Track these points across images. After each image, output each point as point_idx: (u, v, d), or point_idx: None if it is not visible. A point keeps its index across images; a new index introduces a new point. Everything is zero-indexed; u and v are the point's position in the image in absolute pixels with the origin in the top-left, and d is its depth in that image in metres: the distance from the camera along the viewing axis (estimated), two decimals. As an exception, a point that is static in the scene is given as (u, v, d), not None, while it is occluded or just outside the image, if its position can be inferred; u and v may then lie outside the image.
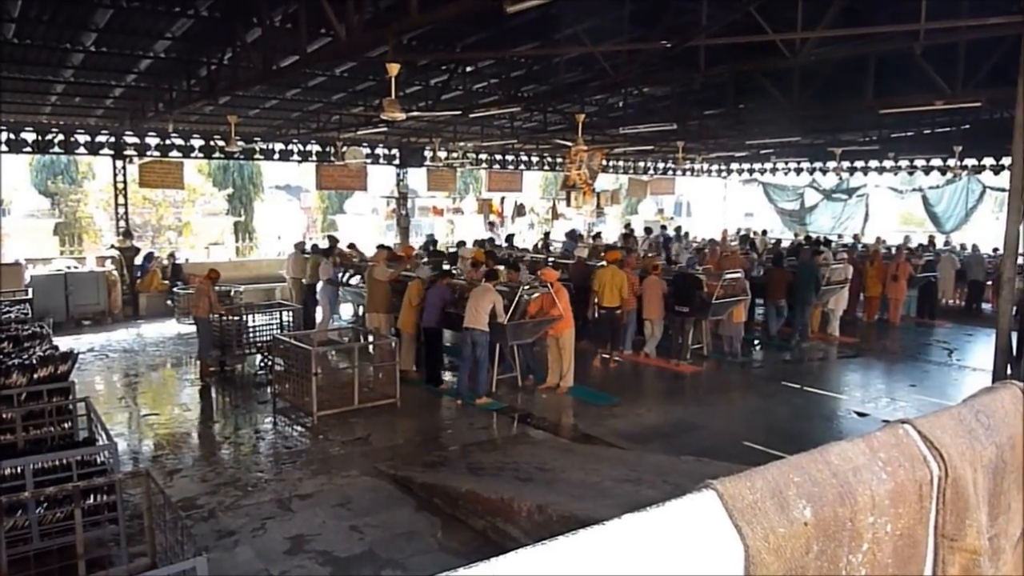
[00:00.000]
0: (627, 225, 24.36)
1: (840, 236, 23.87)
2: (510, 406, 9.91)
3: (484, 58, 10.94)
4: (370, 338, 10.83)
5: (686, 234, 22.18)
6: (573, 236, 19.88)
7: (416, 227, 27.27)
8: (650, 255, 15.83)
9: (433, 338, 10.64)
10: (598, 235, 20.25)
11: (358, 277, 13.66)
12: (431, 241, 18.22)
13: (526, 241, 24.82)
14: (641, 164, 26.93)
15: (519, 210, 24.71)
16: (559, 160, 23.57)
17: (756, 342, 13.98)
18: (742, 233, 23.25)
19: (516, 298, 10.08)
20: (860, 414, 9.66)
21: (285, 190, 36.30)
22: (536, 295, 10.61)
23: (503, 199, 24.26)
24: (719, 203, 30.62)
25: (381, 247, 13.08)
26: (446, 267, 12.39)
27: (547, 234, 21.12)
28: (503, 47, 9.78)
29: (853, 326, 15.21)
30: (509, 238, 18.49)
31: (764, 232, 23.23)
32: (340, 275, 13.77)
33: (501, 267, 12.47)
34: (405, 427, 9.11)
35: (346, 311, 15.50)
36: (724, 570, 1.26)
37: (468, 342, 9.87)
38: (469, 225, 24.30)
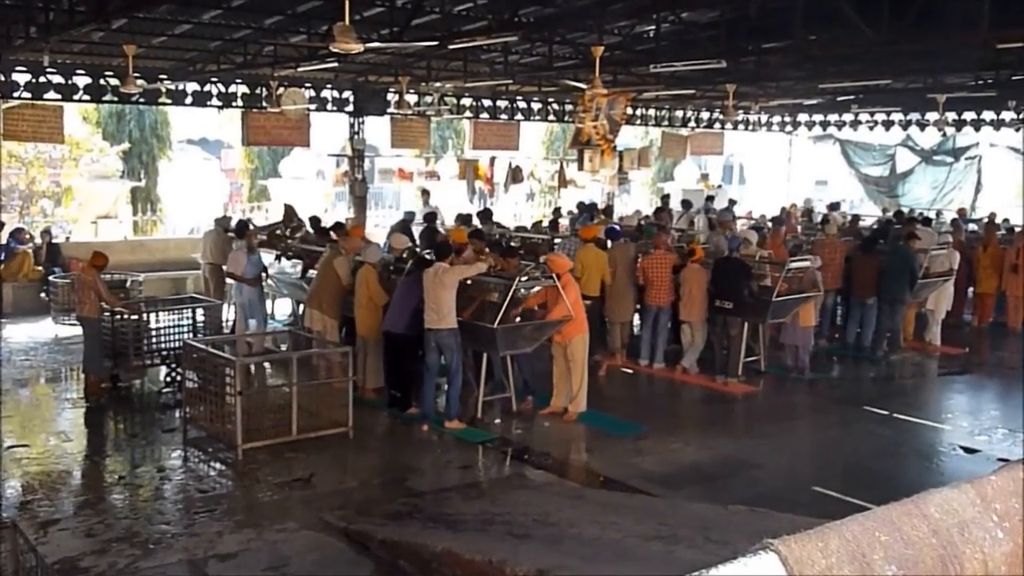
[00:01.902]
0: (664, 197, 24.05)
1: (941, 212, 23.81)
2: (502, 437, 9.95)
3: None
4: (314, 345, 10.77)
5: (729, 206, 21.68)
6: (590, 210, 19.51)
7: (376, 196, 26.98)
8: (695, 235, 15.60)
9: (398, 348, 10.61)
10: (606, 210, 19.81)
11: (297, 264, 13.54)
12: (408, 220, 17.82)
13: (519, 216, 24.48)
14: (679, 114, 26.87)
15: (514, 175, 24.42)
16: (569, 108, 23.37)
17: (830, 353, 13.98)
18: (809, 207, 23.12)
19: (510, 294, 10.04)
20: (968, 450, 9.70)
21: (200, 146, 36.05)
22: (537, 289, 10.55)
23: (493, 160, 24.14)
24: (782, 167, 30.61)
25: (337, 229, 12.72)
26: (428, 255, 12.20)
27: (557, 209, 20.74)
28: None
29: (959, 332, 15.23)
30: (484, 214, 17.97)
31: (835, 206, 22.98)
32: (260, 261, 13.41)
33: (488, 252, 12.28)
34: (360, 465, 9.14)
35: (282, 309, 15.48)
36: (787, 658, 1.27)
37: (433, 347, 10.01)
38: (448, 194, 24.11)
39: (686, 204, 21.43)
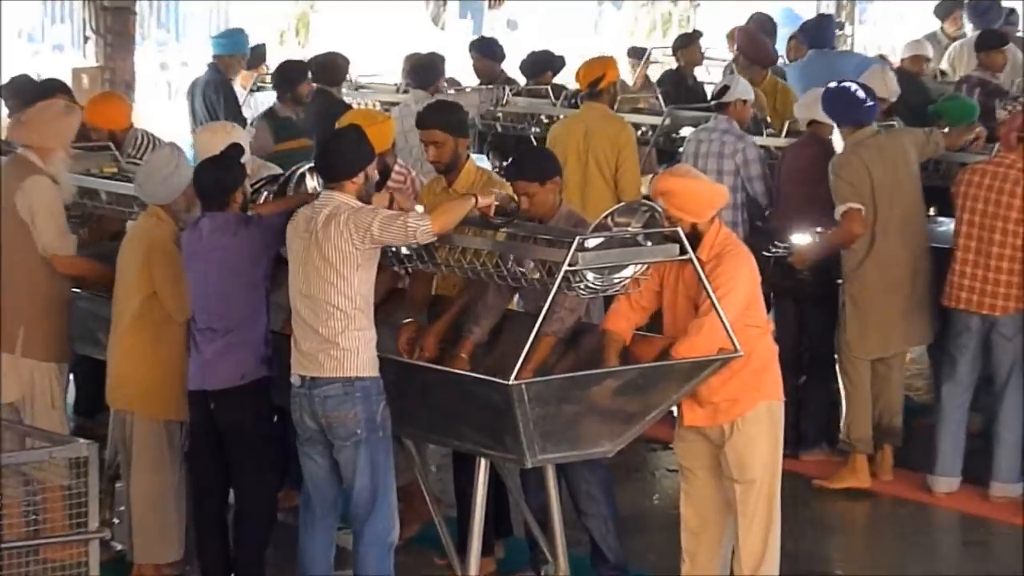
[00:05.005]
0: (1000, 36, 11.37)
1: None
2: None
3: None
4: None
5: None
6: (767, 36, 10.03)
7: (168, 18, 17.04)
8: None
9: (225, 441, 5.51)
10: (817, 28, 10.19)
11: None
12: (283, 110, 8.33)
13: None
14: None
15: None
16: None
17: None
18: None
19: (556, 284, 4.45)
20: None
21: None
22: (637, 272, 4.76)
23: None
24: None
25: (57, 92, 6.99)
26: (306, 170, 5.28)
27: (688, 35, 11.25)
28: None
29: None
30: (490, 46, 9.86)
31: None
32: None
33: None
34: None
35: None
36: None
37: (311, 432, 4.89)
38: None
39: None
